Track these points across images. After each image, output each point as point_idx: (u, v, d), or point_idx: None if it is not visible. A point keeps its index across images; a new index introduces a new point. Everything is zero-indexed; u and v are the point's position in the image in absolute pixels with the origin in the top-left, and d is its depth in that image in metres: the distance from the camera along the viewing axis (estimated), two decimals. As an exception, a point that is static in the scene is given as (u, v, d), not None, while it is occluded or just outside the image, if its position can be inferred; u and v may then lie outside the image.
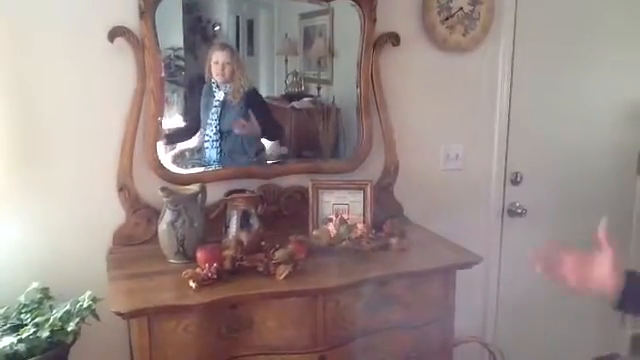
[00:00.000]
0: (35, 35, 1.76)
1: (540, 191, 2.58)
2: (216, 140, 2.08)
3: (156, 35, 1.84)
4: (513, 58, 2.42)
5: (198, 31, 2.11)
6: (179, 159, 2.04)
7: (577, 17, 2.50)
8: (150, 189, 1.88)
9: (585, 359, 2.85)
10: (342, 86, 2.24)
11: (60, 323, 1.54)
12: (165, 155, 1.95)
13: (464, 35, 2.28)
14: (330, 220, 1.90)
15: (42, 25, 1.77)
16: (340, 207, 2.00)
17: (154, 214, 1.87)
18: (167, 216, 1.76)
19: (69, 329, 1.53)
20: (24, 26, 1.75)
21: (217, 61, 2.02)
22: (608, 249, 1.15)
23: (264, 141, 2.19)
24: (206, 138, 2.09)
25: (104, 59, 1.83)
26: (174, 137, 2.04)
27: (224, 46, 2.11)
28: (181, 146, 2.08)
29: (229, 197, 1.88)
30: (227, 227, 1.85)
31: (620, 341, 2.95)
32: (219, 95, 2.06)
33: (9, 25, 1.73)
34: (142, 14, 1.81)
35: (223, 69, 2.03)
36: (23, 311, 1.62)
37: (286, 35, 2.27)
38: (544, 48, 2.46)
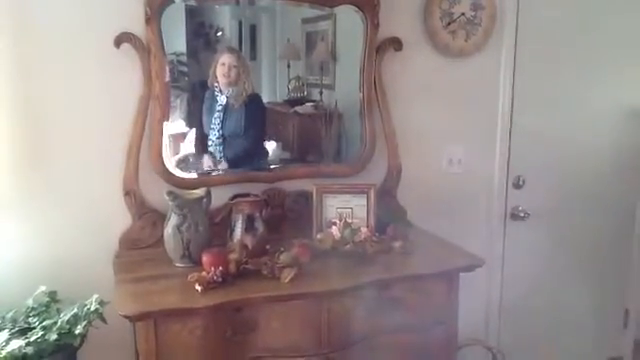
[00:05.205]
0: (42, 40, 1.78)
1: (543, 195, 2.58)
2: (219, 144, 2.10)
3: (162, 40, 1.86)
4: (515, 63, 2.43)
5: (201, 36, 2.12)
6: (183, 164, 2.04)
7: (578, 21, 2.50)
8: (156, 193, 1.89)
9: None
10: (344, 91, 2.25)
11: (68, 326, 1.55)
12: (170, 159, 1.97)
13: (466, 40, 2.29)
14: (334, 223, 1.92)
15: (49, 30, 1.78)
16: (344, 211, 2.01)
17: (160, 218, 1.89)
18: (173, 220, 1.77)
19: (76, 332, 1.55)
20: (30, 31, 1.76)
21: (224, 63, 2.04)
22: None
23: (267, 146, 2.21)
24: (209, 143, 2.10)
25: (110, 64, 1.85)
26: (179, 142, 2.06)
27: (232, 49, 2.13)
28: (185, 151, 2.09)
29: (234, 201, 1.89)
30: (232, 231, 1.86)
31: (623, 345, 2.95)
32: (222, 99, 2.07)
33: (16, 29, 1.75)
34: (148, 20, 1.83)
35: (229, 71, 2.04)
36: (31, 314, 1.63)
37: (288, 40, 2.29)
38: (546, 52, 2.47)
